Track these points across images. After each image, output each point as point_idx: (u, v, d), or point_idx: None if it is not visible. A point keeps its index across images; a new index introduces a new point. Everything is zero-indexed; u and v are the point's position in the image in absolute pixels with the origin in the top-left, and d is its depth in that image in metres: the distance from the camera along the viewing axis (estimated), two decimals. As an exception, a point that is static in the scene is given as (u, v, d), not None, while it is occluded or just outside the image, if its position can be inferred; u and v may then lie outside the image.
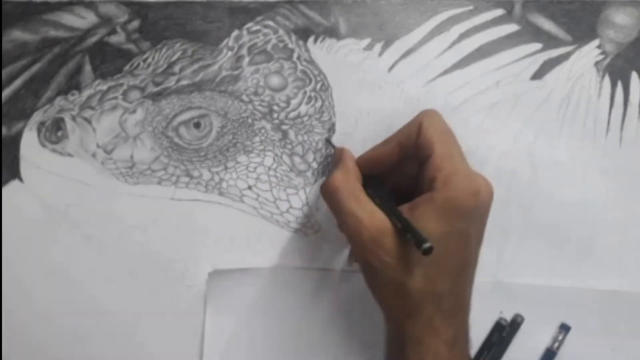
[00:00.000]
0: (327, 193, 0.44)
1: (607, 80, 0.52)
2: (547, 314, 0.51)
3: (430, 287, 0.41)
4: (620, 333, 0.51)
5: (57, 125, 0.51)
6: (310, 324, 0.52)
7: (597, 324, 0.51)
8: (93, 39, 0.52)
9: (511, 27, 0.52)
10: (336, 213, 0.44)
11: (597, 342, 0.51)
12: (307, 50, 0.52)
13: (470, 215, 0.42)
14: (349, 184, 0.44)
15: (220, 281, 0.51)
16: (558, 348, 0.51)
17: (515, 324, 0.51)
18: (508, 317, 0.51)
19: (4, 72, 0.51)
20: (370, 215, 0.42)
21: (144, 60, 0.52)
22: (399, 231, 0.41)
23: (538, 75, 0.52)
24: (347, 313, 0.52)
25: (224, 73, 0.51)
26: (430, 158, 0.43)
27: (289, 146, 0.51)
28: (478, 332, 0.51)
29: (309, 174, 0.52)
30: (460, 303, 0.43)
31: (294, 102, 0.51)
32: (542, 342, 0.51)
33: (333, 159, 0.49)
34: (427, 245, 0.38)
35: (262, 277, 0.51)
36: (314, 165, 0.52)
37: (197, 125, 0.51)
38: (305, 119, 0.51)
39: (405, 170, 0.46)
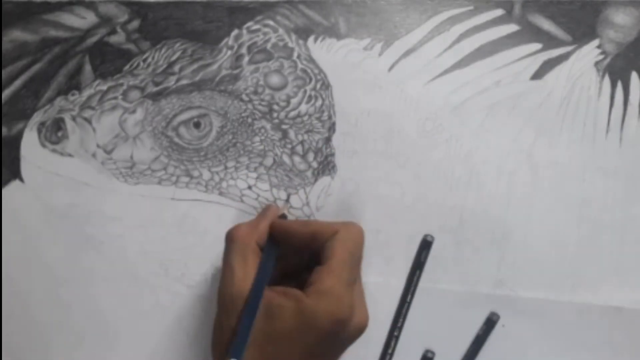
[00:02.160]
0: (227, 238, 0.45)
1: (607, 80, 0.52)
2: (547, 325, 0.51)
3: None
4: (622, 349, 0.51)
5: (57, 125, 0.51)
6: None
7: (598, 340, 0.51)
8: (93, 39, 0.52)
9: (511, 27, 0.52)
10: (223, 259, 0.45)
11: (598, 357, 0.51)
12: (307, 49, 0.52)
13: (321, 336, 0.42)
14: (246, 240, 0.45)
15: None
16: (484, 335, 0.50)
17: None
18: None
19: (4, 72, 0.51)
20: (244, 276, 0.43)
21: (144, 60, 0.52)
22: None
23: (538, 75, 0.52)
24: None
25: (224, 72, 0.51)
26: (323, 265, 0.43)
27: (289, 146, 0.51)
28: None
29: (309, 173, 0.52)
30: None
31: (294, 101, 0.51)
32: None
33: (264, 207, 0.50)
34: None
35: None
36: (314, 165, 0.52)
37: (197, 125, 0.51)
38: (306, 118, 0.51)
39: (304, 254, 0.47)
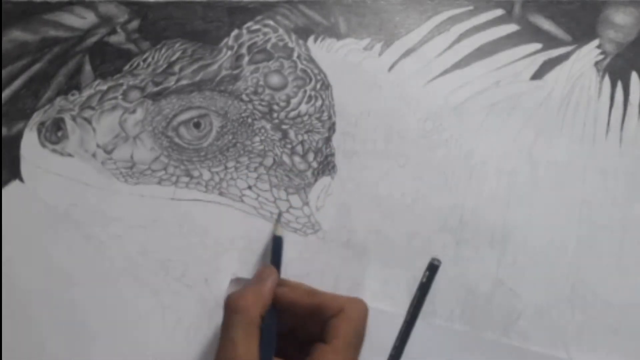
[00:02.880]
0: (228, 307, 0.44)
1: (607, 80, 0.52)
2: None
3: None
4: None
5: (57, 125, 0.51)
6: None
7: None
8: (93, 39, 0.52)
9: (511, 27, 0.52)
10: (222, 328, 0.44)
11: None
12: (307, 49, 0.52)
13: None
14: (252, 313, 0.43)
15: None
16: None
17: (432, 267, 0.50)
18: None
19: (4, 72, 0.51)
20: (247, 353, 0.42)
21: (144, 60, 0.52)
22: None
23: (538, 75, 0.52)
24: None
25: (224, 72, 0.51)
26: (327, 343, 0.43)
27: (289, 146, 0.51)
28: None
29: (309, 173, 0.52)
30: None
31: (294, 101, 0.51)
32: None
33: (262, 268, 0.48)
34: None
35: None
36: (314, 165, 0.52)
37: (197, 125, 0.51)
38: (306, 118, 0.51)
39: (308, 325, 0.46)
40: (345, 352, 0.42)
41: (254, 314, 0.43)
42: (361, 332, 0.44)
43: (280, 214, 0.51)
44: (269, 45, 0.52)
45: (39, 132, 0.51)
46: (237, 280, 0.50)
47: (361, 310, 0.45)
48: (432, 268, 0.50)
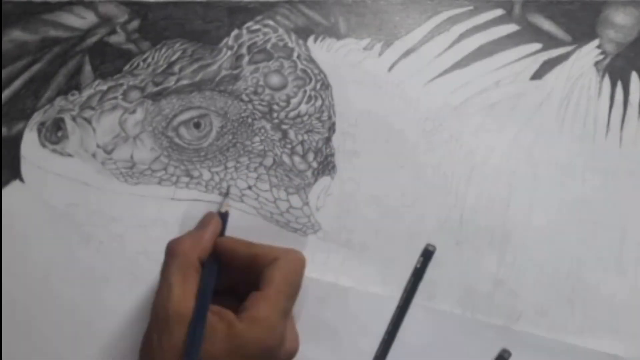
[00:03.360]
0: (167, 252, 0.45)
1: (607, 80, 0.52)
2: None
3: None
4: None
5: (57, 125, 0.51)
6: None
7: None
8: (93, 39, 0.52)
9: (511, 27, 0.52)
10: (161, 272, 0.45)
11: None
12: (307, 49, 0.52)
13: None
14: (188, 255, 0.44)
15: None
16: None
17: (427, 253, 0.50)
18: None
19: (4, 72, 0.51)
20: (184, 296, 0.42)
21: (144, 60, 0.52)
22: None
23: (538, 75, 0.52)
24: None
25: (224, 72, 0.51)
26: (259, 291, 0.43)
27: (289, 146, 0.51)
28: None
29: (309, 173, 0.52)
30: None
31: (294, 101, 0.51)
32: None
33: (205, 216, 0.49)
34: None
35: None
36: (314, 165, 0.52)
37: (197, 125, 0.51)
38: (305, 118, 0.51)
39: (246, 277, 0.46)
40: (276, 301, 0.43)
41: (192, 257, 0.44)
42: (295, 280, 0.45)
43: (229, 188, 0.51)
44: (269, 45, 0.52)
45: (39, 132, 0.51)
46: None
47: (296, 260, 0.45)
48: (427, 254, 0.50)
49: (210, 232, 0.47)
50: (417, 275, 0.50)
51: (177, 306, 0.42)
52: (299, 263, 0.45)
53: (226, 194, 0.51)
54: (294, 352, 0.44)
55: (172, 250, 0.45)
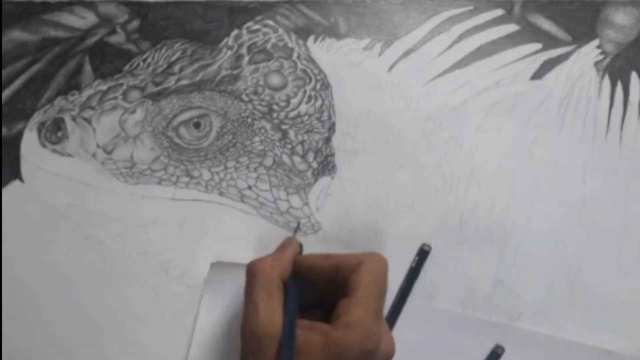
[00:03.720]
0: (248, 272, 0.44)
1: (607, 80, 0.52)
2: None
3: None
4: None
5: (57, 125, 0.51)
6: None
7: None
8: (93, 39, 0.52)
9: (511, 27, 0.52)
10: (244, 293, 0.44)
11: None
12: (307, 49, 0.52)
13: None
14: (270, 274, 0.44)
15: (219, 275, 0.51)
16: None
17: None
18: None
19: (4, 72, 0.51)
20: (271, 314, 0.42)
21: (144, 60, 0.52)
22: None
23: (538, 75, 0.52)
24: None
25: (224, 72, 0.51)
26: (349, 297, 0.43)
27: (289, 146, 0.51)
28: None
29: (309, 174, 0.52)
30: None
31: (294, 101, 0.51)
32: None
33: (284, 241, 0.49)
34: None
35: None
36: (314, 165, 0.52)
37: (197, 125, 0.51)
38: (305, 118, 0.51)
39: (331, 287, 0.46)
40: (367, 303, 0.42)
41: (273, 275, 0.44)
42: (382, 282, 0.44)
43: (299, 224, 0.51)
44: (268, 45, 0.52)
45: (39, 132, 0.51)
46: (218, 264, 0.50)
47: (380, 262, 0.45)
48: (422, 253, 0.50)
49: (289, 252, 0.46)
50: (412, 274, 0.50)
51: (266, 325, 0.41)
52: (383, 264, 0.45)
53: (297, 229, 0.51)
54: (390, 354, 0.44)
55: (253, 270, 0.44)
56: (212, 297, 0.51)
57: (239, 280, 0.51)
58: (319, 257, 0.46)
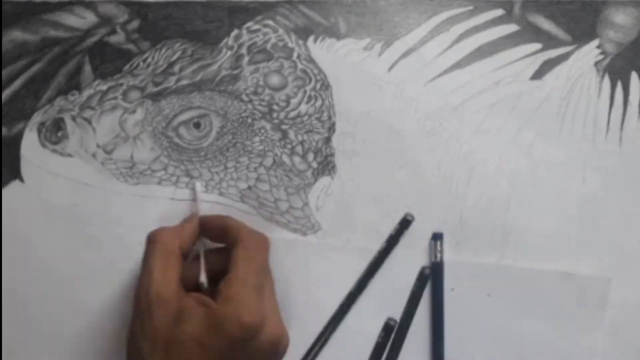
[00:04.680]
0: (148, 240, 0.46)
1: (606, 80, 0.52)
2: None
3: None
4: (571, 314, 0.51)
5: (57, 125, 0.51)
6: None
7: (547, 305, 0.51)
8: (93, 39, 0.52)
9: (511, 27, 0.52)
10: (142, 261, 0.45)
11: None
12: (307, 49, 0.52)
13: (230, 342, 0.42)
14: (168, 243, 0.45)
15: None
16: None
17: (405, 222, 0.51)
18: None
19: (4, 72, 0.51)
20: (164, 281, 0.43)
21: (144, 60, 0.52)
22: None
23: (538, 75, 0.52)
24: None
25: (224, 72, 0.51)
26: (229, 273, 0.44)
27: (289, 146, 0.51)
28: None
29: (309, 174, 0.52)
30: None
31: (293, 101, 0.51)
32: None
33: (188, 215, 0.50)
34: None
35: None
36: (314, 165, 0.52)
37: (197, 125, 0.51)
38: (305, 118, 0.51)
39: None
40: (244, 277, 0.44)
41: (173, 245, 0.45)
42: (258, 258, 0.46)
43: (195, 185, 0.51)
44: (268, 46, 0.52)
45: (39, 132, 0.51)
46: None
47: (258, 240, 0.46)
48: (404, 222, 0.51)
49: (192, 225, 0.48)
50: (391, 241, 0.51)
51: (158, 290, 0.43)
52: (261, 242, 0.47)
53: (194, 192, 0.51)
54: (277, 339, 0.44)
55: (152, 237, 0.46)
56: None
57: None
58: (213, 217, 0.49)
